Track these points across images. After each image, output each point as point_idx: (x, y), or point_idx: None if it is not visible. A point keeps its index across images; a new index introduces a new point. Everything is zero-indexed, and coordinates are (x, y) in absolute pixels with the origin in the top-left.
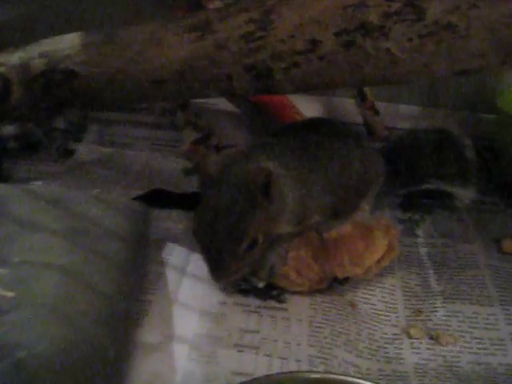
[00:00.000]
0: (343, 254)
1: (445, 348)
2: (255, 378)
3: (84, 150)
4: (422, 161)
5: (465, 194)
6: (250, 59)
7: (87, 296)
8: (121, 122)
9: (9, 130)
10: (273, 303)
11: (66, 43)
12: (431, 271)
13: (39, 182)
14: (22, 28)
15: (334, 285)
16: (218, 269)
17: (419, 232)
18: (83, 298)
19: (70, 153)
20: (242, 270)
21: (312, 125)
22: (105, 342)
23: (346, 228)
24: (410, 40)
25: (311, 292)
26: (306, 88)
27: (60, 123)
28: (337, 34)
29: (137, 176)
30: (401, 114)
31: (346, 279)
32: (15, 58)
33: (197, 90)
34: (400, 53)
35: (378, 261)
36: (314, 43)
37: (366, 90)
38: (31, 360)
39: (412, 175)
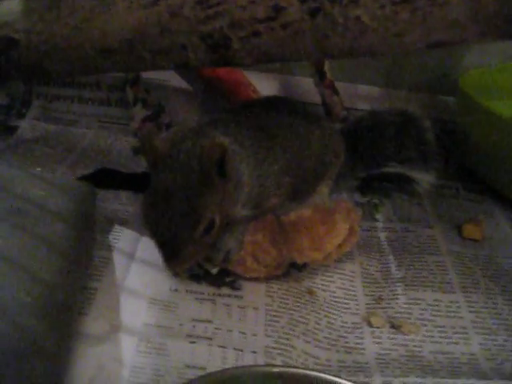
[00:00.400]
0: (302, 239)
1: (407, 337)
2: (209, 373)
3: (27, 127)
4: (382, 143)
5: (425, 179)
6: (206, 27)
7: (25, 284)
8: (67, 97)
9: None
10: (227, 291)
11: (4, 10)
12: (391, 257)
13: None
14: None
15: (291, 271)
16: (172, 256)
17: (378, 216)
18: (20, 286)
19: (11, 129)
20: (197, 256)
21: (269, 103)
22: (44, 334)
23: (305, 211)
24: (383, 7)
25: (267, 278)
26: (266, 59)
27: (1, 98)
28: (302, 0)
29: (83, 155)
30: (360, 95)
31: (304, 265)
32: None
33: (147, 61)
34: (371, 21)
35: (339, 245)
36: (277, 10)
37: (325, 68)
38: None
39: (372, 158)
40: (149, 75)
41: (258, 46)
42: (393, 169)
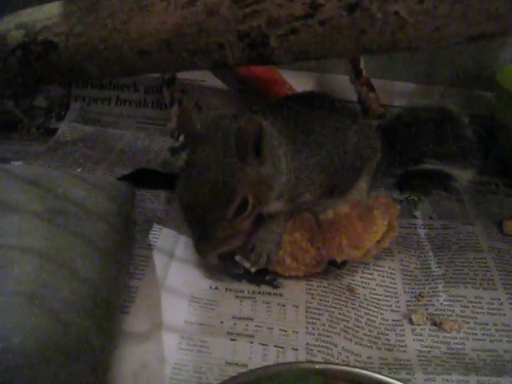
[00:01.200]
0: (341, 237)
1: (448, 334)
2: (252, 370)
3: (65, 129)
4: (420, 140)
5: (464, 176)
6: (243, 26)
7: (69, 283)
8: (104, 99)
9: None
10: (267, 288)
11: (45, 13)
12: (431, 254)
13: (19, 162)
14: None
15: (330, 268)
16: (203, 238)
17: (417, 213)
18: (65, 284)
19: (51, 132)
20: (229, 242)
21: (305, 98)
22: (88, 331)
23: (343, 208)
24: (421, 2)
25: (307, 276)
26: (303, 57)
27: (41, 101)
28: None
29: (121, 155)
30: (396, 91)
31: (344, 262)
32: None
33: (185, 60)
34: (409, 16)
35: (378, 241)
36: (315, 7)
37: (361, 65)
38: (6, 354)
39: (410, 154)
40: (185, 76)
41: (295, 44)
42: (431, 165)
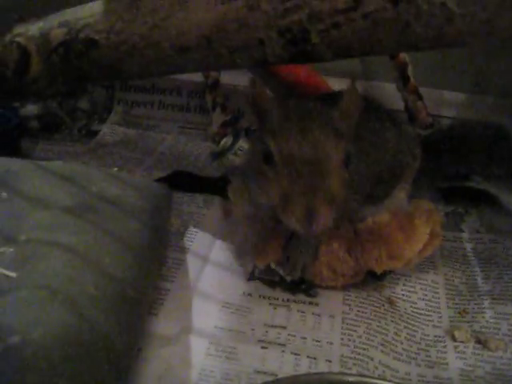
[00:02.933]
0: (380, 247)
1: (494, 354)
2: (279, 379)
3: (107, 131)
4: (470, 155)
5: (508, 199)
6: (284, 21)
7: (95, 279)
8: (147, 103)
9: (31, 109)
10: (303, 297)
11: (87, 11)
12: (478, 269)
13: (59, 162)
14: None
15: (369, 279)
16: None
17: (464, 226)
18: (91, 280)
19: (93, 133)
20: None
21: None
22: (112, 330)
23: (382, 218)
24: None
25: (344, 287)
26: (345, 54)
27: (84, 104)
28: None
29: (161, 158)
30: (445, 101)
31: (384, 274)
32: (35, 28)
33: (225, 57)
34: (457, 7)
35: (420, 251)
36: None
37: (409, 72)
38: (25, 346)
39: (457, 169)
40: (228, 81)
41: (337, 39)
42: (478, 185)
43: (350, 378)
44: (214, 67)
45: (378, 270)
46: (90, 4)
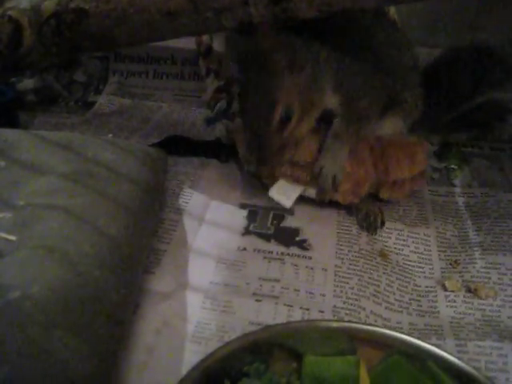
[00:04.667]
0: (399, 152)
1: (484, 301)
2: (269, 326)
3: (103, 102)
4: (466, 72)
5: None
6: None
7: (91, 238)
8: (142, 73)
9: (28, 83)
10: (296, 250)
11: None
12: (469, 221)
13: (56, 132)
14: None
15: (363, 233)
16: (255, 151)
17: (456, 181)
18: (86, 239)
19: (89, 105)
20: (284, 151)
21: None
22: (107, 284)
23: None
24: None
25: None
26: (327, 10)
27: (80, 76)
28: None
29: (156, 126)
30: None
31: (382, 223)
32: (25, 1)
33: (211, 20)
34: None
35: (412, 179)
36: None
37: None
38: (24, 301)
39: (459, 91)
40: (221, 48)
41: None
42: (484, 96)
43: (335, 324)
44: (202, 31)
45: (394, 176)
46: None
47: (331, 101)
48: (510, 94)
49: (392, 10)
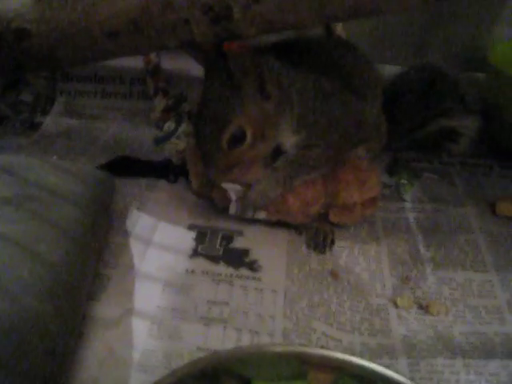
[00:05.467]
0: (349, 176)
1: (436, 318)
2: (217, 352)
3: (51, 123)
4: (416, 102)
5: (469, 125)
6: None
7: (30, 265)
8: (90, 92)
9: None
10: (246, 272)
11: (17, 2)
12: (420, 237)
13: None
14: None
15: (312, 253)
16: (208, 163)
17: (407, 197)
18: (25, 267)
19: (36, 126)
20: (231, 171)
21: (329, 43)
22: (46, 314)
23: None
24: None
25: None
26: (268, 29)
27: (27, 96)
28: None
29: (104, 147)
30: (387, 76)
31: (332, 241)
32: None
33: (154, 39)
34: None
35: (363, 204)
36: None
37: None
38: None
39: (411, 121)
40: (169, 66)
41: (259, 14)
42: (436, 125)
43: (284, 348)
44: (144, 50)
45: (342, 200)
46: None
47: (286, 141)
48: (461, 121)
49: (339, 28)
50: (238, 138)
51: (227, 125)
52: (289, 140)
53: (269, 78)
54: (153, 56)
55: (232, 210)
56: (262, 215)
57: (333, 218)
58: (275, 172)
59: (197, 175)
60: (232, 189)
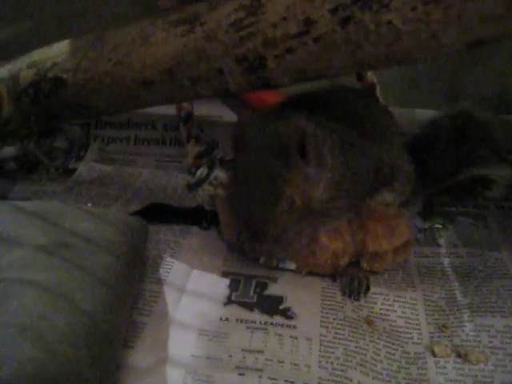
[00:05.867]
0: (376, 225)
1: (475, 367)
2: None
3: (84, 169)
4: (449, 150)
5: (501, 174)
6: (240, 49)
7: (66, 314)
8: (123, 139)
9: (8, 151)
10: (280, 319)
11: (55, 51)
12: (456, 283)
13: (33, 201)
14: (18, 45)
15: (347, 301)
16: (256, 237)
17: (441, 241)
18: (61, 316)
19: (70, 172)
20: (282, 240)
21: (347, 95)
22: (83, 364)
23: (378, 205)
24: (414, 9)
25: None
26: (302, 77)
27: (61, 143)
28: (332, 11)
29: (138, 193)
30: (418, 120)
31: (367, 289)
32: (4, 71)
33: (188, 89)
34: (403, 25)
35: (395, 250)
36: (308, 24)
37: (378, 93)
38: None
39: (443, 168)
40: (202, 112)
41: (293, 63)
42: (467, 174)
43: None
44: (178, 99)
45: (371, 249)
46: (57, 44)
47: (323, 193)
48: (494, 170)
49: (370, 74)
50: (288, 207)
51: (281, 197)
52: (321, 197)
53: (308, 141)
54: (185, 103)
55: (262, 260)
56: (291, 266)
57: (363, 265)
58: (298, 224)
59: (228, 226)
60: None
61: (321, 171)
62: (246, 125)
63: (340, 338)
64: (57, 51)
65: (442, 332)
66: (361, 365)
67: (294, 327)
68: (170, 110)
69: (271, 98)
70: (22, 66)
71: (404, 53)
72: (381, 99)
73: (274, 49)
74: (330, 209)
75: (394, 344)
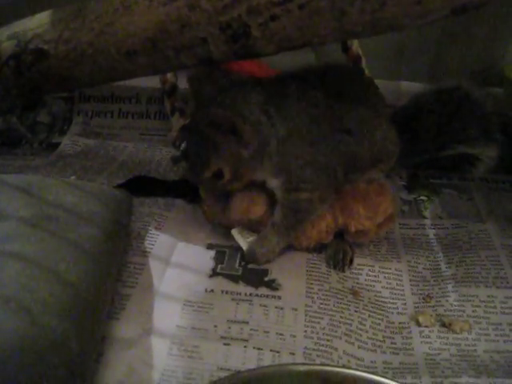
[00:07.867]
0: (359, 206)
1: (458, 336)
2: (238, 372)
3: (68, 143)
4: (440, 125)
5: (488, 154)
6: (224, 17)
7: (50, 285)
8: (107, 112)
9: None
10: (265, 291)
11: (35, 22)
12: (441, 254)
13: (16, 175)
14: None
15: (332, 271)
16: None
17: (426, 213)
18: (45, 287)
19: (54, 146)
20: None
21: (327, 73)
22: (67, 334)
23: (361, 184)
24: None
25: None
26: (287, 46)
27: (44, 117)
28: None
29: (122, 166)
30: (402, 92)
31: (351, 262)
32: None
33: (171, 59)
34: None
35: (379, 225)
36: None
37: (363, 65)
38: None
39: (430, 142)
40: (186, 85)
41: (277, 31)
42: (454, 150)
43: (305, 368)
44: (162, 69)
45: (353, 229)
46: (38, 14)
47: (270, 181)
48: (482, 149)
49: (355, 45)
50: (218, 175)
51: (207, 165)
52: (272, 181)
53: (243, 129)
54: (170, 76)
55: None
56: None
57: (348, 238)
58: (275, 226)
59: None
60: (240, 238)
61: (259, 157)
62: (205, 82)
63: (325, 309)
64: (38, 22)
65: (427, 302)
66: (346, 334)
67: (279, 298)
68: (154, 83)
69: (256, 69)
70: (2, 38)
71: (389, 20)
72: (366, 71)
73: (258, 16)
74: (297, 202)
75: (379, 314)
